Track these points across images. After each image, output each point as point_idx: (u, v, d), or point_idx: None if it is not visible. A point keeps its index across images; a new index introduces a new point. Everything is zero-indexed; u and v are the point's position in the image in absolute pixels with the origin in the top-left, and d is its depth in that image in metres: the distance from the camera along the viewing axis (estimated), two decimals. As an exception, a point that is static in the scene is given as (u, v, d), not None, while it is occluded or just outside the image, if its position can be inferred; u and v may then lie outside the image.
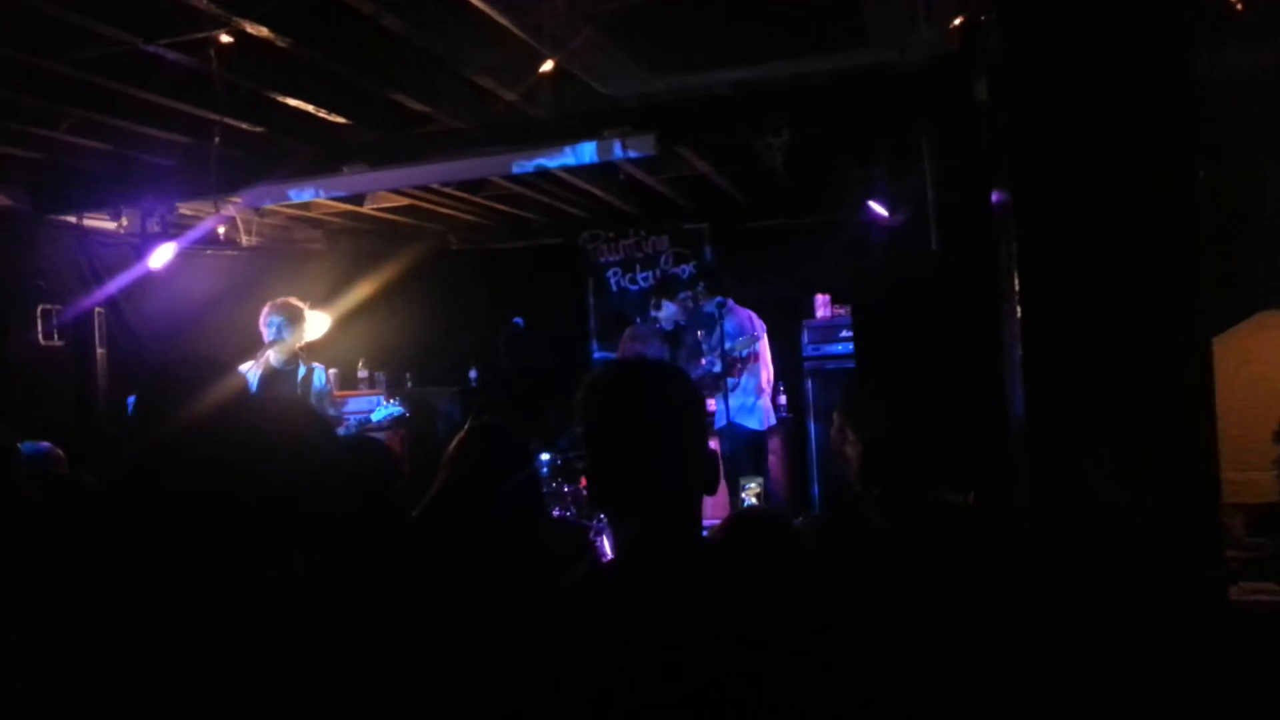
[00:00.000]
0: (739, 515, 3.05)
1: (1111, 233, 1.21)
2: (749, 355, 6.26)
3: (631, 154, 4.72)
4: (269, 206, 6.40)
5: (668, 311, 6.67)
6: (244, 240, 7.26)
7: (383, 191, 6.46)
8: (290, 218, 7.54)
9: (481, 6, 3.26)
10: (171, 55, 3.80)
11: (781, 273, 7.37)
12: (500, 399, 6.81)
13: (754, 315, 6.48)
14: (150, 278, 5.83)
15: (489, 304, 8.13)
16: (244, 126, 4.81)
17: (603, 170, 6.14)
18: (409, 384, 8.07)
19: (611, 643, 1.28)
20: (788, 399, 7.17)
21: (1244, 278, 3.03)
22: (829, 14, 2.95)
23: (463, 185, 6.53)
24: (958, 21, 2.66)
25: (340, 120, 4.81)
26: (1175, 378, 1.18)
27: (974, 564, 1.65)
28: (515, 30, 3.44)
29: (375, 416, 5.48)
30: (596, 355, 8.30)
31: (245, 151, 5.26)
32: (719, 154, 6.30)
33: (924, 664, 1.46)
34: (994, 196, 1.41)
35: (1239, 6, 2.30)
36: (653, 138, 4.75)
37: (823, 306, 7.27)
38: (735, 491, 5.73)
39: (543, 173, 5.70)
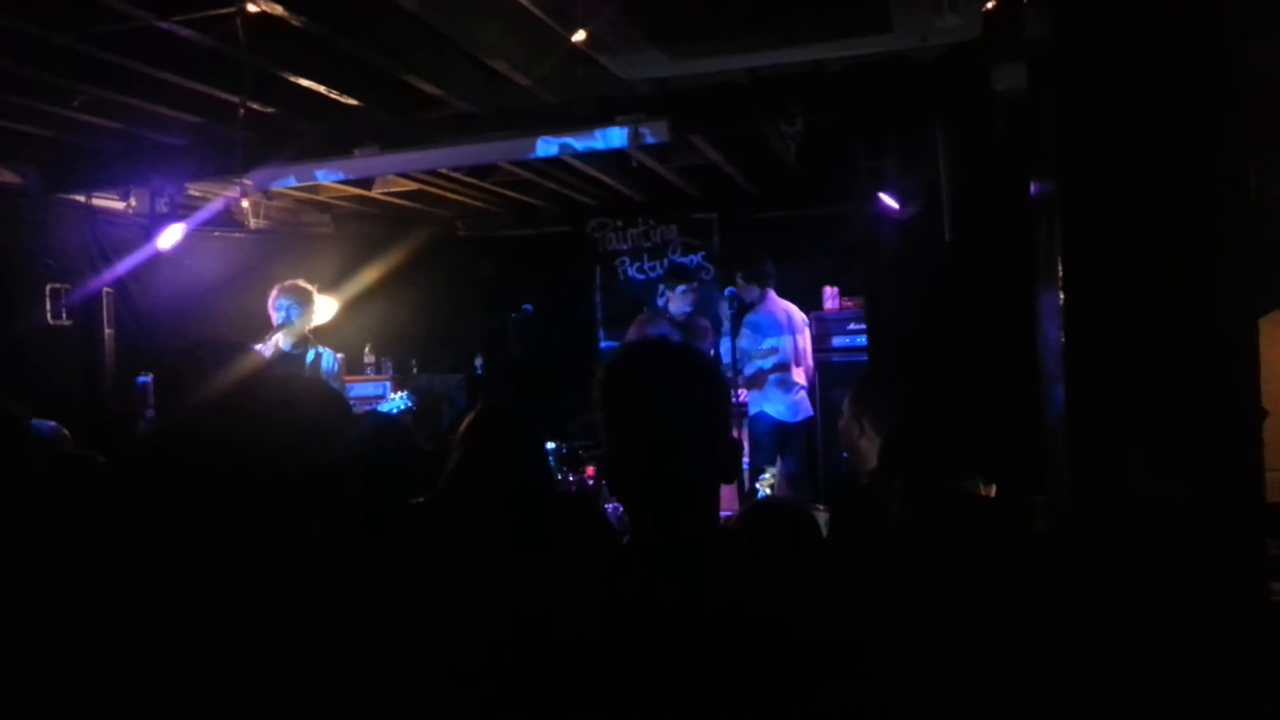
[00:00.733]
0: (757, 504, 3.04)
1: (1158, 221, 1.18)
2: (769, 365, 6.12)
3: (646, 141, 4.69)
4: (277, 189, 6.37)
5: (678, 304, 6.25)
6: (252, 223, 7.23)
7: (392, 175, 6.44)
8: (298, 201, 7.52)
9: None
10: (184, 32, 3.76)
11: (790, 264, 7.34)
12: (507, 387, 6.80)
13: (791, 310, 6.34)
14: (158, 258, 5.82)
15: (496, 291, 8.11)
16: (255, 107, 4.78)
17: (613, 158, 6.10)
18: (415, 370, 8.04)
19: (628, 630, 1.26)
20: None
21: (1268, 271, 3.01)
22: (854, -1, 2.92)
23: (472, 171, 6.50)
24: (990, 5, 2.63)
25: (351, 102, 4.78)
26: (1221, 370, 1.15)
27: (996, 556, 1.63)
28: (537, 12, 3.40)
29: (384, 409, 5.48)
30: (604, 344, 8.27)
31: (256, 132, 5.23)
32: (730, 143, 6.26)
33: (945, 656, 1.44)
34: (1033, 186, 1.38)
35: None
36: (666, 124, 4.72)
37: (831, 299, 7.24)
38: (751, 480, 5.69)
39: (552, 159, 5.67)
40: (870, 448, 2.59)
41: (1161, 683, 1.16)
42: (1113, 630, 1.17)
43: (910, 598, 1.55)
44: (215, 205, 6.23)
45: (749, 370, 6.10)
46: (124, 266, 5.97)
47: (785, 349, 6.09)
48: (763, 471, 5.33)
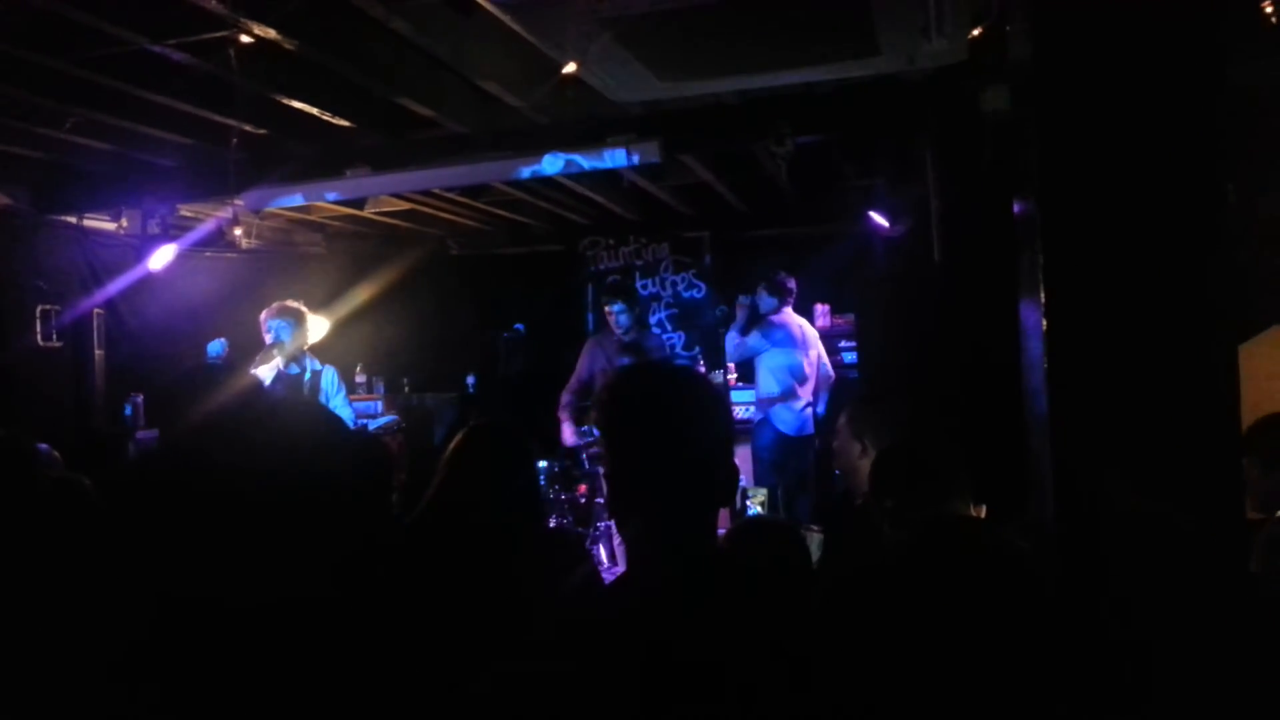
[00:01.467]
0: (745, 524, 3.03)
1: (1140, 242, 1.20)
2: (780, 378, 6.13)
3: (637, 161, 4.72)
4: (270, 209, 6.39)
5: (614, 323, 5.69)
6: (244, 243, 7.22)
7: (384, 196, 6.46)
8: (291, 221, 7.53)
9: (494, 12, 3.26)
10: (177, 56, 3.79)
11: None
12: (498, 405, 6.79)
13: (805, 326, 6.31)
14: (150, 279, 5.81)
15: (488, 310, 8.13)
16: (247, 128, 4.80)
17: (605, 177, 6.14)
18: (407, 389, 8.04)
19: (618, 653, 1.27)
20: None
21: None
22: (843, 24, 2.94)
23: (464, 190, 6.54)
24: (977, 31, 2.67)
25: (343, 123, 4.80)
26: (1202, 389, 1.17)
27: (985, 578, 1.64)
28: (527, 36, 3.43)
29: (371, 425, 5.47)
30: (596, 362, 8.27)
31: (248, 154, 5.24)
32: (721, 163, 6.31)
33: (936, 678, 1.44)
34: (1016, 207, 1.40)
35: (1274, 19, 2.31)
36: (657, 145, 4.75)
37: (822, 316, 7.28)
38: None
39: (544, 179, 5.70)
40: (867, 466, 2.58)
41: (1147, 699, 1.17)
42: (1097, 647, 1.18)
43: (901, 621, 1.55)
44: (207, 226, 6.23)
45: (739, 356, 6.15)
46: (115, 287, 5.97)
47: (797, 364, 6.09)
48: (754, 491, 5.34)
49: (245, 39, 3.51)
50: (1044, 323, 1.22)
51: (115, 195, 5.75)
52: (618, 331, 5.61)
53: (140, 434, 5.64)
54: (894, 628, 1.55)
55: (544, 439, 5.78)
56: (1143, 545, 1.16)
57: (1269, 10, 2.41)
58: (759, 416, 6.15)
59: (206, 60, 3.76)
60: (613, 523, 3.53)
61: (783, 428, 6.05)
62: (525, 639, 1.44)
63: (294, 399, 4.54)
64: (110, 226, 6.17)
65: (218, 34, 3.51)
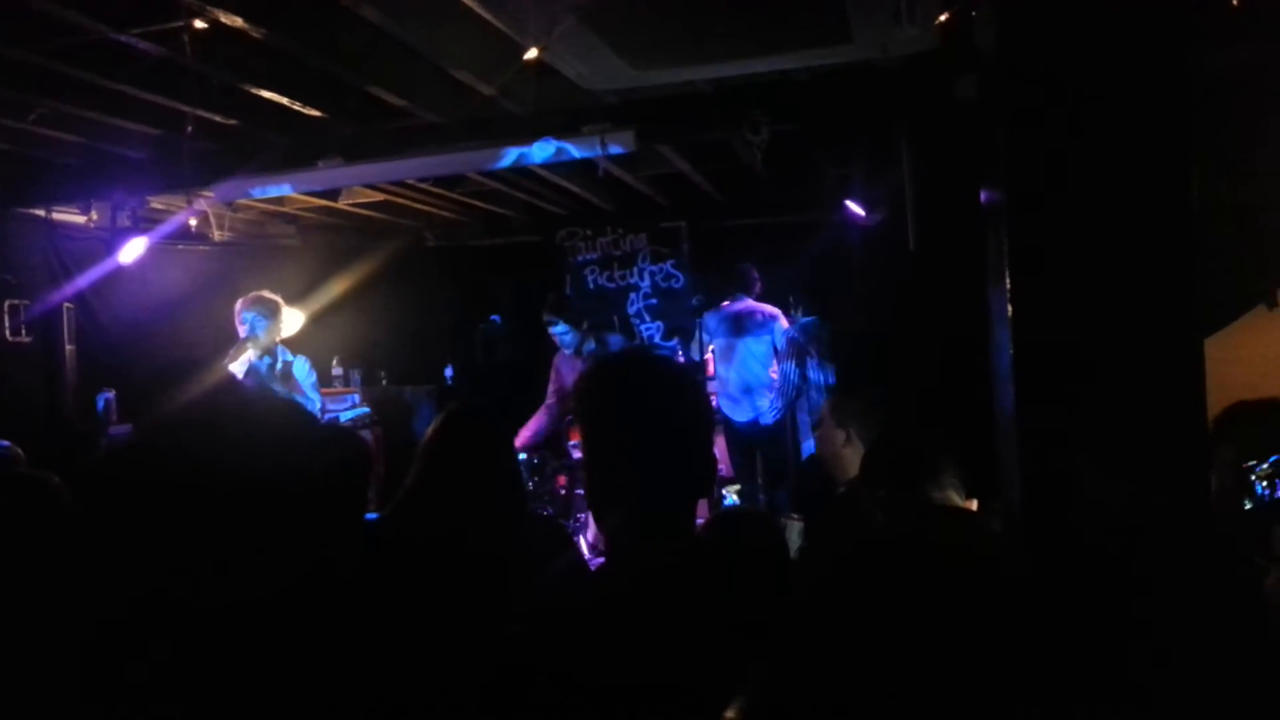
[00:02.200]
0: (721, 514, 3.03)
1: (1105, 230, 1.20)
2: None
3: (611, 150, 4.69)
4: (242, 201, 6.31)
5: (565, 339, 5.63)
6: (216, 235, 7.14)
7: (358, 187, 6.40)
8: (264, 212, 7.45)
9: (460, -2, 3.23)
10: (143, 45, 3.73)
11: (759, 270, 7.38)
12: (476, 397, 6.76)
13: (755, 311, 6.37)
14: (120, 273, 5.74)
15: (465, 302, 8.09)
16: (217, 119, 4.74)
17: (582, 167, 6.11)
18: (384, 381, 8.00)
19: (599, 643, 1.26)
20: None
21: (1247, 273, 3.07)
22: (813, 10, 2.94)
23: (439, 181, 6.48)
24: (943, 18, 2.66)
25: (315, 113, 4.75)
26: (1170, 372, 1.17)
27: (977, 569, 1.63)
28: (494, 21, 3.40)
29: (343, 417, 5.41)
30: (573, 354, 8.26)
31: (218, 144, 5.18)
32: (697, 152, 6.30)
33: (921, 666, 1.44)
34: (983, 194, 1.40)
35: (1235, 2, 2.32)
36: (632, 134, 4.72)
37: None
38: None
39: (521, 169, 5.66)
40: (854, 456, 2.60)
41: (1117, 691, 1.17)
42: (1065, 633, 1.18)
43: (892, 609, 1.55)
44: (178, 219, 6.15)
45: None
46: (85, 281, 5.89)
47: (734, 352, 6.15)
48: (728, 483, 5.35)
49: (208, 25, 3.45)
50: (1009, 309, 1.22)
51: (84, 187, 5.66)
52: (567, 352, 5.53)
53: (112, 430, 5.58)
54: (884, 616, 1.55)
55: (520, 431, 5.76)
56: (1109, 531, 1.16)
57: (1236, -6, 2.42)
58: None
59: (171, 49, 3.71)
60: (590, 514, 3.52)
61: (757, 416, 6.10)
62: (507, 629, 1.43)
63: (267, 394, 4.49)
64: (80, 219, 6.07)
65: (181, 22, 3.46)
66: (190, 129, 4.00)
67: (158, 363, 5.14)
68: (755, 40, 3.21)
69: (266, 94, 4.41)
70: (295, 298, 6.03)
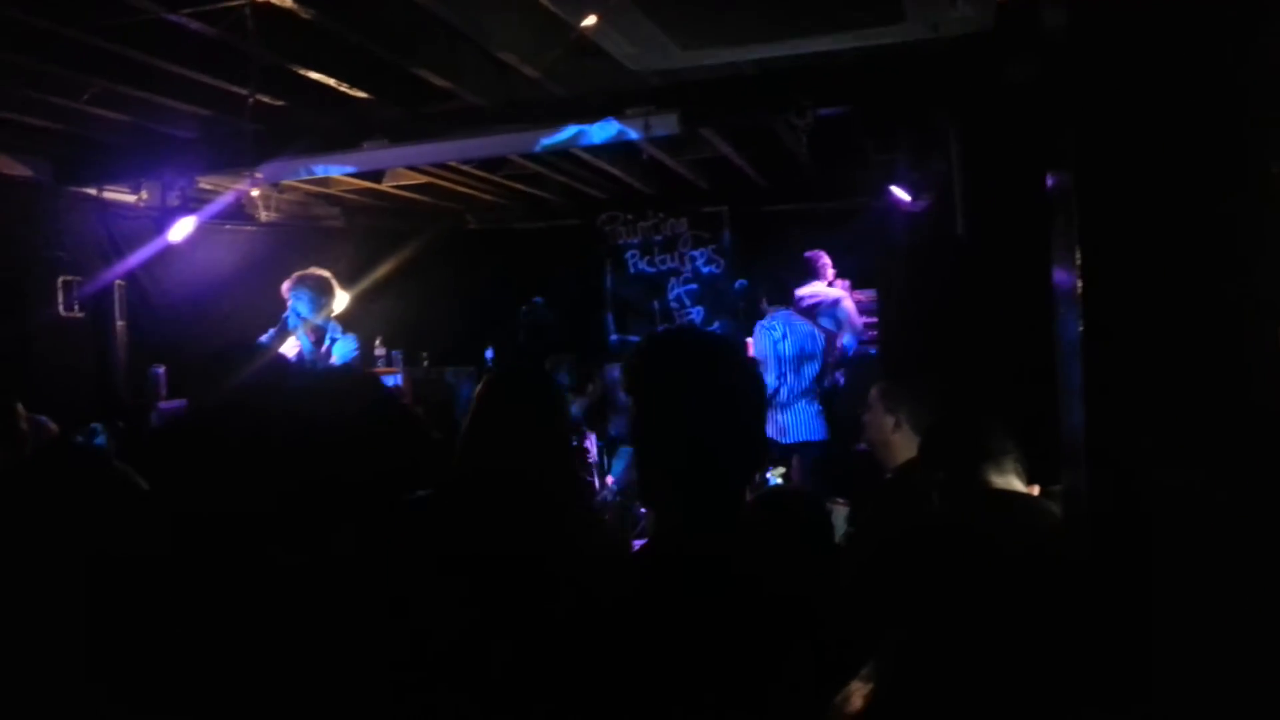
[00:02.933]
0: (768, 494, 3.02)
1: (1180, 210, 1.17)
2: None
3: (656, 133, 4.67)
4: (288, 182, 6.38)
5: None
6: (262, 216, 7.23)
7: (401, 169, 6.44)
8: (309, 194, 7.53)
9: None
10: (194, 25, 3.77)
11: (800, 258, 7.33)
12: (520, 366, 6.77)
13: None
14: (170, 251, 5.83)
15: (506, 284, 8.12)
16: (265, 100, 4.78)
17: (624, 151, 6.09)
18: (425, 363, 8.05)
19: (649, 619, 1.25)
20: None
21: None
22: (866, -13, 2.89)
23: (481, 164, 6.51)
24: (1004, -3, 2.61)
25: (361, 95, 4.78)
26: (1242, 358, 1.14)
27: (1034, 555, 1.61)
28: (544, 2, 3.39)
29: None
30: (613, 337, 8.27)
31: (266, 125, 5.23)
32: (740, 136, 6.25)
33: (969, 650, 1.43)
34: (1049, 177, 1.37)
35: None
36: (676, 117, 4.70)
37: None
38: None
39: (562, 152, 5.66)
40: (904, 442, 2.58)
41: (1174, 679, 1.15)
42: (1126, 621, 1.15)
43: (950, 591, 1.53)
44: (226, 199, 6.24)
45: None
46: (136, 259, 5.99)
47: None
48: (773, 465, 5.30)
49: (259, 5, 3.48)
50: (1079, 286, 1.19)
51: (134, 167, 5.75)
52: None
53: (162, 404, 5.68)
54: (933, 601, 1.53)
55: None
56: (1178, 520, 1.13)
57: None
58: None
59: (223, 29, 3.74)
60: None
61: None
62: (553, 605, 1.42)
63: (327, 369, 4.52)
64: (130, 198, 6.18)
65: (231, 3, 3.49)
66: (251, 101, 4.03)
67: (208, 341, 5.22)
68: (806, 18, 3.17)
69: (314, 75, 4.44)
70: (339, 279, 6.08)
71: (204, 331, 5.89)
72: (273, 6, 3.58)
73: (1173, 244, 1.19)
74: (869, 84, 4.62)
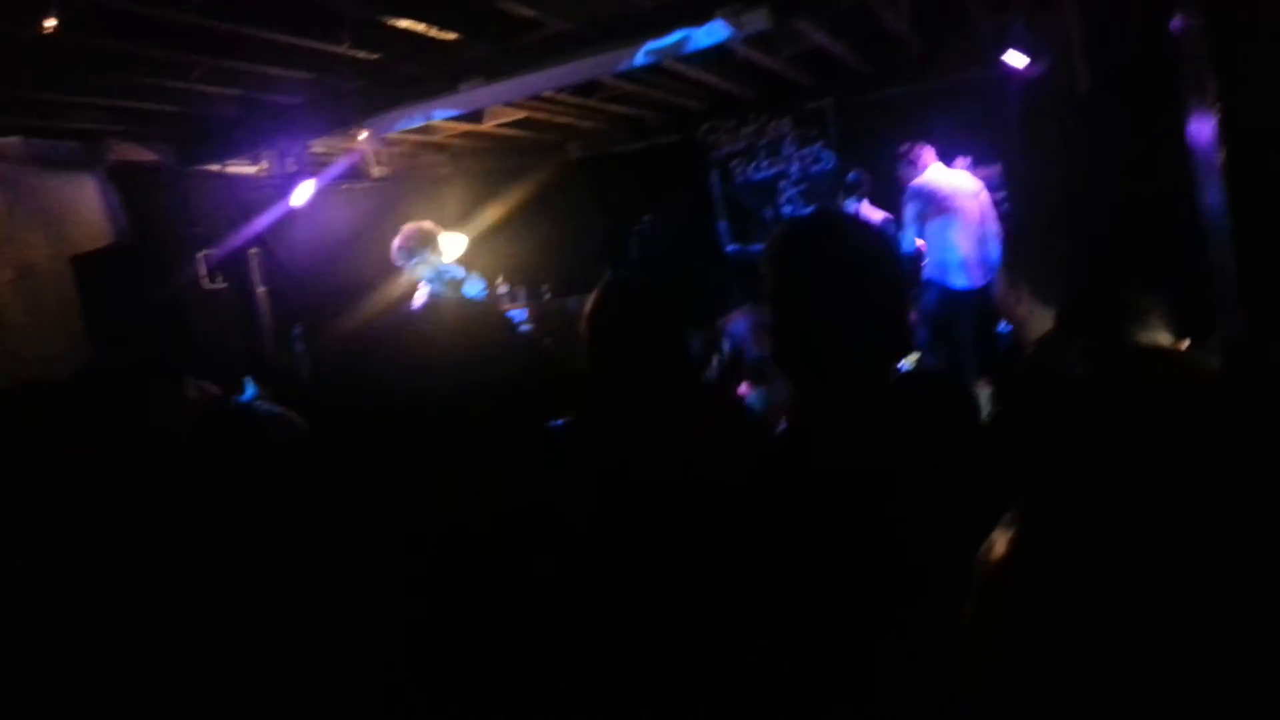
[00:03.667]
0: (912, 374, 2.94)
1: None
2: None
3: (750, 30, 4.53)
4: (394, 135, 6.51)
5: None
6: (375, 172, 7.43)
7: (499, 106, 6.46)
8: (416, 145, 7.67)
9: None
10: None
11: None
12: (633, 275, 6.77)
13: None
14: (293, 215, 6.07)
15: (615, 209, 8.11)
16: (362, 55, 4.86)
17: (718, 57, 5.93)
18: (547, 295, 8.19)
19: (801, 503, 1.25)
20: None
21: None
22: None
23: (576, 90, 6.46)
24: None
25: (450, 36, 4.80)
26: None
27: (1191, 405, 1.52)
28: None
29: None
30: (730, 248, 8.18)
31: (366, 81, 5.33)
32: (837, 23, 5.97)
33: (1129, 500, 1.37)
34: (1176, 22, 1.27)
35: None
36: (766, 11, 4.54)
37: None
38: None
39: (655, 66, 5.55)
40: (1029, 313, 2.48)
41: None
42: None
43: (1102, 442, 1.47)
44: (343, 161, 6.44)
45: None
46: (264, 226, 6.26)
47: None
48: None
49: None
50: (1223, 132, 1.10)
51: (250, 139, 5.99)
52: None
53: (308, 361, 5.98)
54: (1099, 450, 1.47)
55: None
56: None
57: None
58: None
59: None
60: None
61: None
62: (700, 498, 1.43)
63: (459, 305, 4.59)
64: (251, 170, 6.45)
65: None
66: (348, 52, 4.06)
67: (337, 298, 5.44)
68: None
69: (404, 23, 4.48)
70: (455, 222, 6.22)
71: (332, 289, 6.13)
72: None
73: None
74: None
